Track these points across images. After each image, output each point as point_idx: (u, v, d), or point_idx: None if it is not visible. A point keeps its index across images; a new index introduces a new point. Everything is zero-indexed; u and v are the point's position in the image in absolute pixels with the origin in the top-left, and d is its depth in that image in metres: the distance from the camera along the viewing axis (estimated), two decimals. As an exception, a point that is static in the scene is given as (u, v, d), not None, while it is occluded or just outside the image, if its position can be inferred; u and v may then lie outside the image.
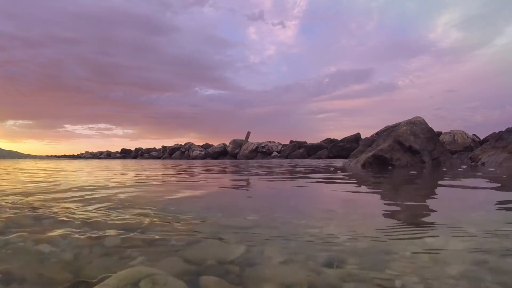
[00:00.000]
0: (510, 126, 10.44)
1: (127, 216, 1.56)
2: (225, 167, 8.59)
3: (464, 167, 7.43)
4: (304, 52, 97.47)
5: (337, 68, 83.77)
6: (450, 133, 23.25)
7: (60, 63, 71.37)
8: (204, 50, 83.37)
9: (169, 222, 1.45)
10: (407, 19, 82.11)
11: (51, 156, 56.08)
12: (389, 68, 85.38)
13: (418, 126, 9.54)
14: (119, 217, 1.54)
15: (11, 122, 77.81)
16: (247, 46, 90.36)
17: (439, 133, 22.39)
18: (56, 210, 1.72)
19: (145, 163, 15.35)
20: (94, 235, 1.20)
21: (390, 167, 7.83)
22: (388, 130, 10.20)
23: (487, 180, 3.93)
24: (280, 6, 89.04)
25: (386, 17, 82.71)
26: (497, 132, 12.69)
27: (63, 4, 64.36)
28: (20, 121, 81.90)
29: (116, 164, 12.34)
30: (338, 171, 6.10)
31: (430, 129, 9.80)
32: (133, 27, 73.35)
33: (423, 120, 9.83)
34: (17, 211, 1.69)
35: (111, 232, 1.26)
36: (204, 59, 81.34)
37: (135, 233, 1.25)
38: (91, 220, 1.46)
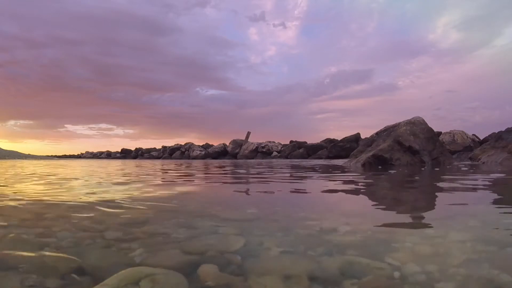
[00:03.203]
0: (509, 126, 10.47)
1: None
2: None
3: (463, 166, 7.45)
4: (305, 52, 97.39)
5: (338, 68, 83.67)
6: (450, 133, 23.27)
7: (62, 64, 71.30)
8: (206, 51, 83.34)
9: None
10: (407, 20, 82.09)
11: (51, 156, 56.11)
12: (390, 68, 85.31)
13: (418, 126, 9.56)
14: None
15: (12, 122, 77.76)
16: (248, 46, 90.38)
17: (439, 133, 22.40)
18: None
19: (141, 163, 15.35)
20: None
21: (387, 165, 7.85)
22: (388, 130, 10.22)
23: (486, 180, 3.95)
24: (281, 7, 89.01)
25: (386, 18, 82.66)
26: (496, 132, 12.73)
27: (65, 5, 64.30)
28: (21, 121, 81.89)
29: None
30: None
31: (430, 129, 9.82)
32: (136, 28, 73.32)
33: (423, 120, 9.85)
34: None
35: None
36: (206, 59, 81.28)
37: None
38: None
